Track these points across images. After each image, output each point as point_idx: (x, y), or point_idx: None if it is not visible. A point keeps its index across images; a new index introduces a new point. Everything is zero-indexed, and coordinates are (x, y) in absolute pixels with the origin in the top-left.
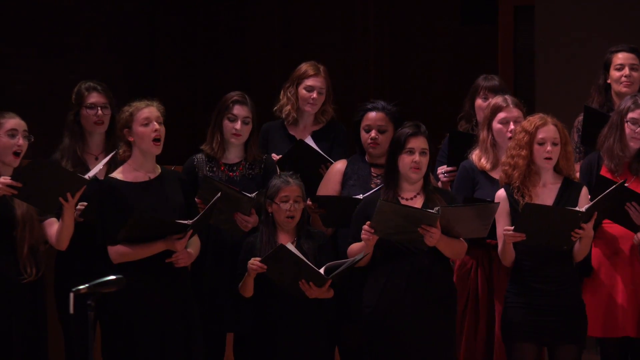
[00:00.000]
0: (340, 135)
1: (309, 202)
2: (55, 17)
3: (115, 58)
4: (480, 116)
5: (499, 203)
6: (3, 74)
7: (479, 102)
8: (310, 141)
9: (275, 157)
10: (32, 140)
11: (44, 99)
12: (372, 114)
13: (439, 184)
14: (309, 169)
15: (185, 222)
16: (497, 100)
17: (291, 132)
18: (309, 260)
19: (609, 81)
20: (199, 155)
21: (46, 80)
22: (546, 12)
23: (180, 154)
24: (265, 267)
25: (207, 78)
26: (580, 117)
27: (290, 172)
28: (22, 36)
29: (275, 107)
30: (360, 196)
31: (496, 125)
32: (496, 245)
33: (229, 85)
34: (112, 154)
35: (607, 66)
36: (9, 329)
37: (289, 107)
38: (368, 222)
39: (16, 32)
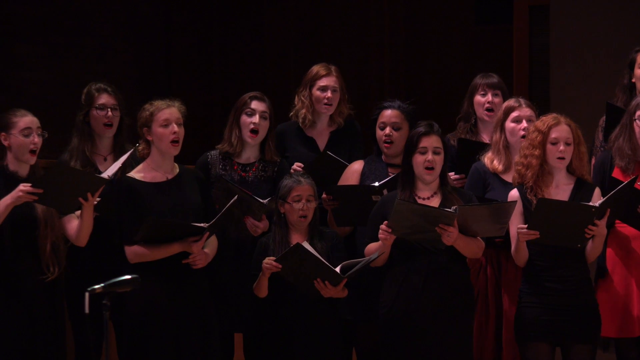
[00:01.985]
0: (357, 135)
1: (323, 196)
2: (70, 17)
3: (131, 58)
4: (479, 112)
5: (516, 202)
6: (18, 74)
7: (477, 98)
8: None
9: (298, 165)
10: (46, 136)
11: (58, 98)
12: (388, 112)
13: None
14: (331, 180)
15: (202, 224)
16: (509, 101)
17: (308, 134)
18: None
19: (633, 80)
20: (213, 152)
21: (61, 80)
22: (561, 11)
23: (194, 155)
24: (279, 266)
25: (222, 79)
26: (605, 116)
27: (302, 172)
28: (37, 36)
29: (291, 113)
30: (376, 184)
31: (509, 124)
32: (505, 244)
33: (245, 86)
34: (129, 152)
35: (631, 65)
36: (32, 327)
37: (304, 110)
38: (385, 222)
39: (32, 32)
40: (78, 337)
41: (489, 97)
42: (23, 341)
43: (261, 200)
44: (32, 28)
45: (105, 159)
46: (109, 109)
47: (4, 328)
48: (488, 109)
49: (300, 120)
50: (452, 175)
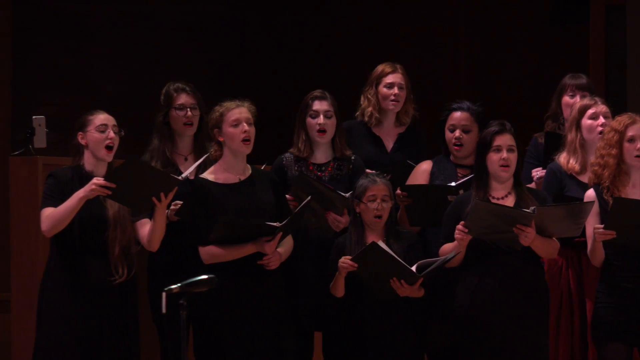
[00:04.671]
0: (421, 142)
1: (398, 192)
2: (143, 17)
3: (205, 58)
4: (567, 113)
5: (593, 202)
6: (94, 74)
7: (566, 99)
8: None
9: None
10: (123, 134)
11: (133, 99)
12: (457, 114)
13: (533, 185)
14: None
15: (275, 224)
16: (584, 100)
17: (376, 133)
18: None
19: None
20: (287, 155)
21: (135, 81)
22: (638, 11)
23: (269, 155)
24: (356, 265)
25: (296, 78)
26: None
27: (378, 172)
28: (110, 36)
29: (357, 113)
30: (453, 184)
31: (585, 121)
32: (585, 244)
33: (319, 87)
34: (205, 156)
35: None
36: (100, 329)
37: (370, 108)
38: (462, 222)
39: (105, 32)
40: (163, 339)
41: (577, 98)
42: (91, 342)
43: (343, 194)
44: (105, 29)
45: (185, 159)
46: (188, 109)
47: (72, 328)
48: None
49: (367, 119)
50: (538, 171)
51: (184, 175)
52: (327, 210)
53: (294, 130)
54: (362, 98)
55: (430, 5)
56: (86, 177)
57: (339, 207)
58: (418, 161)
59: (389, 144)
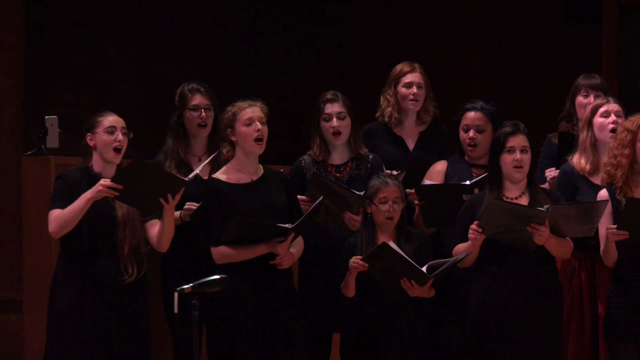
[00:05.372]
0: (443, 138)
1: (410, 191)
2: (157, 17)
3: (219, 59)
4: (581, 113)
5: (607, 201)
6: (106, 75)
7: (579, 99)
8: None
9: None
10: (132, 136)
11: (146, 99)
12: (471, 114)
13: (546, 185)
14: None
15: (287, 225)
16: (597, 100)
17: (397, 133)
18: None
19: None
20: (306, 157)
21: (150, 80)
22: None
23: (282, 156)
24: (366, 265)
25: (310, 77)
26: None
27: (389, 173)
28: (124, 36)
29: (377, 114)
30: (467, 182)
31: (597, 119)
32: (597, 245)
33: (333, 88)
34: (213, 154)
35: None
36: (109, 329)
37: (389, 109)
38: (476, 222)
39: (119, 32)
40: (175, 339)
41: (591, 98)
42: (101, 342)
43: (358, 193)
44: (119, 29)
45: (199, 159)
46: (202, 110)
47: (82, 327)
48: None
49: (387, 119)
50: (552, 171)
51: (191, 176)
52: (343, 210)
53: (309, 132)
54: (381, 98)
55: (444, 6)
56: (95, 178)
57: (354, 207)
58: (442, 158)
59: (411, 143)
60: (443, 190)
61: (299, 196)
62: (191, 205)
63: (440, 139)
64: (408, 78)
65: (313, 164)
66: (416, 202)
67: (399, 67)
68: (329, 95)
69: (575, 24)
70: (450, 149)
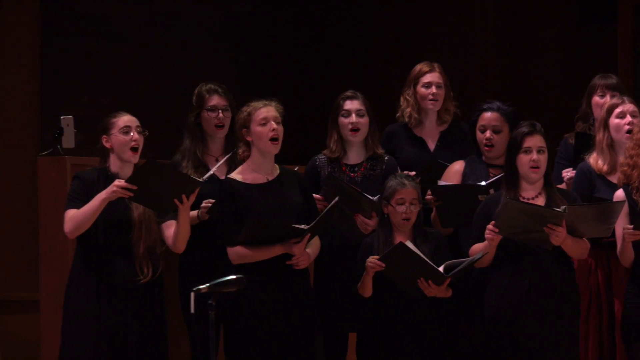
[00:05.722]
0: (465, 136)
1: (428, 197)
2: (173, 17)
3: (231, 58)
4: (597, 113)
5: (624, 202)
6: (122, 74)
7: (596, 99)
8: None
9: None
10: (147, 134)
11: (160, 99)
12: (487, 114)
13: (563, 185)
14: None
15: (302, 226)
16: (612, 100)
17: (417, 133)
18: None
19: None
20: (321, 156)
21: (164, 80)
22: None
23: (296, 155)
24: (383, 265)
25: (324, 77)
26: None
27: (406, 174)
28: (140, 37)
29: (397, 114)
30: (483, 183)
31: (613, 120)
32: (613, 244)
33: (348, 87)
34: (229, 154)
35: None
36: (125, 329)
37: (409, 109)
38: (492, 222)
39: (132, 33)
40: (193, 339)
41: (607, 98)
42: (117, 342)
43: (370, 197)
44: (134, 29)
45: (217, 160)
46: (219, 110)
47: (98, 327)
48: None
49: (407, 120)
50: (569, 171)
51: (206, 176)
52: (355, 213)
53: (324, 131)
54: (401, 99)
55: (460, 6)
56: (111, 178)
57: (366, 210)
58: (463, 157)
59: (431, 144)
60: (459, 191)
61: (314, 195)
62: (207, 203)
63: (462, 138)
64: (427, 78)
65: (328, 163)
66: (434, 204)
67: (418, 67)
68: (349, 93)
69: (591, 23)
70: (471, 147)
